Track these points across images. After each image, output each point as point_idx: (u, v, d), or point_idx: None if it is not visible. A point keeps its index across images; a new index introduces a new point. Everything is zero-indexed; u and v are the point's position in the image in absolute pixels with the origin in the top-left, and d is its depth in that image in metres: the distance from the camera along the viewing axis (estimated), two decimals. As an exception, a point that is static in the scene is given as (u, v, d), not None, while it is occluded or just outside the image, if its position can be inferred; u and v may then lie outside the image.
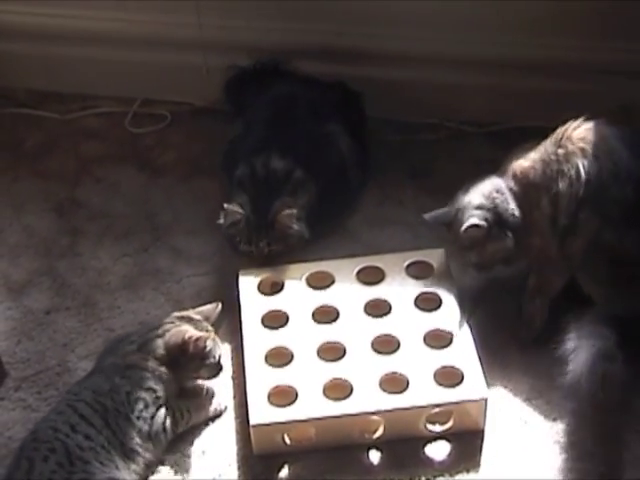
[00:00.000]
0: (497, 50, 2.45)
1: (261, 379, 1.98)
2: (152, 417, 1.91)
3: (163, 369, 1.95)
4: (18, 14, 2.63)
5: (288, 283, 2.18)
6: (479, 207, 2.05)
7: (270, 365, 2.02)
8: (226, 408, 2.02)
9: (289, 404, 1.94)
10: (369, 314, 2.10)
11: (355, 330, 2.07)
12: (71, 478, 1.79)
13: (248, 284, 2.18)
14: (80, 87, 2.72)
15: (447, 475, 1.90)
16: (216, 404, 2.02)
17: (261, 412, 1.93)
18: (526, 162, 2.08)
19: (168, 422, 1.93)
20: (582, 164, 1.99)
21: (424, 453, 1.94)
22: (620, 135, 2.02)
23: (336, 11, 2.49)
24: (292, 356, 2.03)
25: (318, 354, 2.03)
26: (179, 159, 2.59)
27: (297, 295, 2.15)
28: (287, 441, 1.94)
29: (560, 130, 2.06)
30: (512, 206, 2.05)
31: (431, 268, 2.17)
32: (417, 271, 2.17)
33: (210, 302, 2.07)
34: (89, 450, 1.82)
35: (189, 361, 1.95)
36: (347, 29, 2.50)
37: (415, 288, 2.13)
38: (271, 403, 1.94)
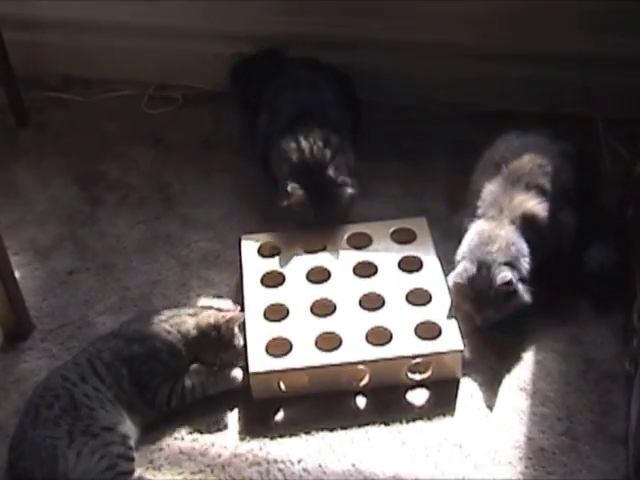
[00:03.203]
0: (481, 38, 2.43)
1: (260, 332, 1.99)
2: (157, 387, 1.88)
3: (182, 345, 1.90)
4: (49, 8, 2.64)
5: (285, 247, 2.17)
6: (506, 263, 1.95)
7: (268, 320, 2.02)
8: (242, 381, 1.94)
9: (284, 354, 1.95)
10: (357, 275, 2.11)
11: (344, 289, 2.07)
12: (75, 423, 1.78)
13: (249, 248, 2.18)
14: (103, 72, 2.71)
15: (426, 419, 1.90)
16: (232, 378, 1.94)
17: (259, 361, 1.93)
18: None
19: (175, 397, 1.88)
20: None
21: (405, 399, 1.95)
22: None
23: (329, 4, 2.49)
24: (288, 312, 2.03)
25: (311, 310, 2.03)
26: (189, 137, 2.58)
27: (293, 258, 2.15)
28: (282, 388, 1.95)
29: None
30: (528, 265, 1.98)
31: (413, 234, 2.17)
32: (401, 237, 2.17)
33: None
34: (96, 400, 1.81)
35: (220, 340, 1.91)
36: (338, 20, 2.50)
37: (399, 252, 2.13)
38: (268, 353, 1.95)
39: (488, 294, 1.95)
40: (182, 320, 1.93)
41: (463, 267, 1.97)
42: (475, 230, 2.04)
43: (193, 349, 1.92)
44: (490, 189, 2.07)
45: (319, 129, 2.21)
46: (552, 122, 2.33)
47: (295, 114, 2.26)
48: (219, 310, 1.98)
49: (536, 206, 2.04)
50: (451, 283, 2.00)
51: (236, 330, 1.93)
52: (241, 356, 1.94)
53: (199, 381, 1.91)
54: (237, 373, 1.95)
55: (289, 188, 2.14)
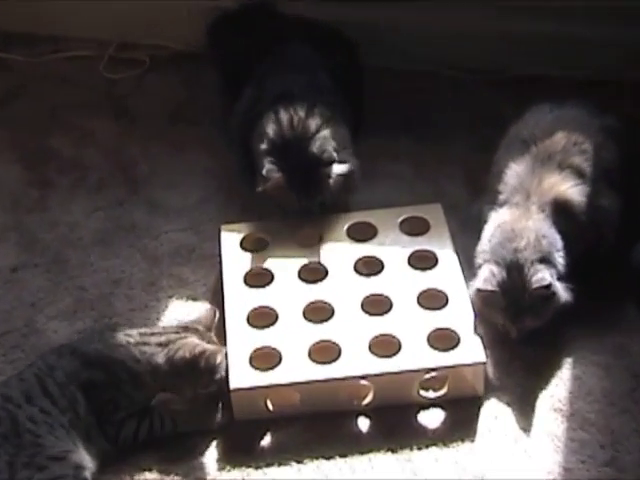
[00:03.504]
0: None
1: (243, 341, 1.98)
2: (121, 422, 1.86)
3: (150, 378, 1.88)
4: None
5: (273, 240, 2.16)
6: (539, 260, 1.94)
7: (252, 326, 2.01)
8: (221, 421, 1.93)
9: (272, 367, 1.94)
10: (359, 273, 2.10)
11: (344, 290, 2.06)
12: (18, 452, 1.76)
13: (230, 240, 2.17)
14: (50, 28, 2.71)
15: (441, 445, 1.90)
16: (209, 417, 1.92)
17: (242, 376, 1.92)
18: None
19: (142, 434, 1.87)
20: None
21: (416, 421, 1.94)
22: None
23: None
24: (276, 317, 2.02)
25: (304, 315, 2.02)
26: (157, 107, 2.58)
27: (283, 252, 2.14)
28: (270, 407, 1.94)
29: None
30: (563, 260, 1.98)
31: (427, 224, 2.16)
32: (411, 227, 2.16)
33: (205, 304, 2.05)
34: (44, 424, 1.79)
35: (198, 377, 1.89)
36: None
37: (409, 245, 2.13)
38: (253, 366, 1.94)
39: (523, 300, 1.93)
40: (151, 351, 1.89)
41: (489, 271, 1.95)
42: (495, 222, 2.02)
43: (163, 384, 1.90)
44: (515, 170, 2.06)
45: (304, 101, 2.19)
46: (594, 90, 2.34)
47: (284, 91, 2.24)
48: (195, 331, 1.93)
49: (570, 190, 2.03)
50: (475, 292, 1.97)
51: (218, 360, 1.89)
52: (222, 390, 1.92)
53: (169, 417, 1.90)
54: (216, 411, 1.93)
55: (264, 170, 2.12)
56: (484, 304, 1.97)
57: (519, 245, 1.96)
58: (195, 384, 1.90)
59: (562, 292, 1.95)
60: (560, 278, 1.96)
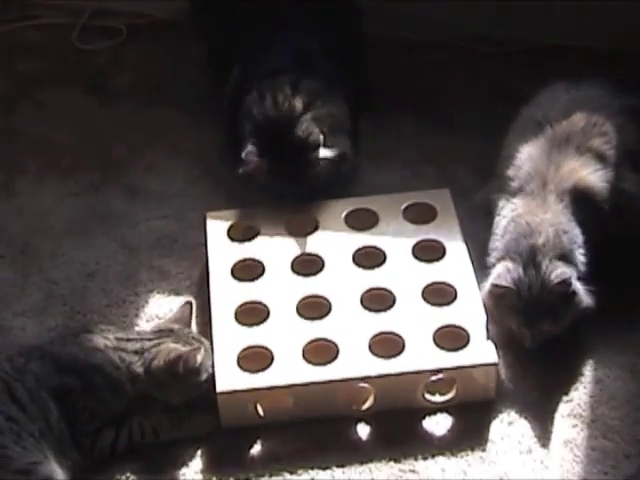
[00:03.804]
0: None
1: (230, 339, 2.00)
2: (97, 432, 1.89)
3: (130, 385, 1.91)
4: None
5: (264, 228, 2.19)
6: (560, 258, 1.97)
7: (241, 323, 2.04)
8: (206, 427, 1.96)
9: (263, 369, 1.96)
10: (359, 265, 2.12)
11: (342, 283, 2.09)
12: None
13: (217, 229, 2.19)
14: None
15: (448, 454, 1.92)
16: (193, 423, 1.95)
17: (229, 377, 1.95)
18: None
19: (121, 445, 1.90)
20: None
21: (421, 428, 1.96)
22: None
23: None
24: (267, 313, 2.05)
25: (298, 311, 2.05)
26: (136, 82, 2.60)
27: (274, 242, 2.17)
28: (260, 412, 1.96)
29: None
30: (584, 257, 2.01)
31: (433, 211, 2.19)
32: (417, 215, 2.19)
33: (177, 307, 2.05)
34: (9, 433, 1.81)
35: (181, 382, 1.92)
36: None
37: (413, 235, 2.15)
38: (241, 367, 1.96)
39: (541, 300, 1.95)
40: (129, 359, 1.93)
41: (504, 267, 1.98)
42: (509, 215, 2.05)
43: (146, 392, 1.93)
44: (529, 154, 2.09)
45: (292, 75, 2.23)
46: (618, 63, 2.37)
47: (273, 65, 2.28)
48: (170, 332, 1.95)
49: (591, 175, 2.06)
50: (488, 290, 1.99)
51: (198, 360, 1.92)
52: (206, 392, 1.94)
53: (150, 425, 1.93)
54: (200, 416, 1.96)
55: (244, 153, 2.17)
56: (497, 305, 2.00)
57: (537, 242, 1.99)
58: (182, 389, 1.94)
59: (583, 294, 1.98)
60: (580, 278, 1.99)
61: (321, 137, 2.19)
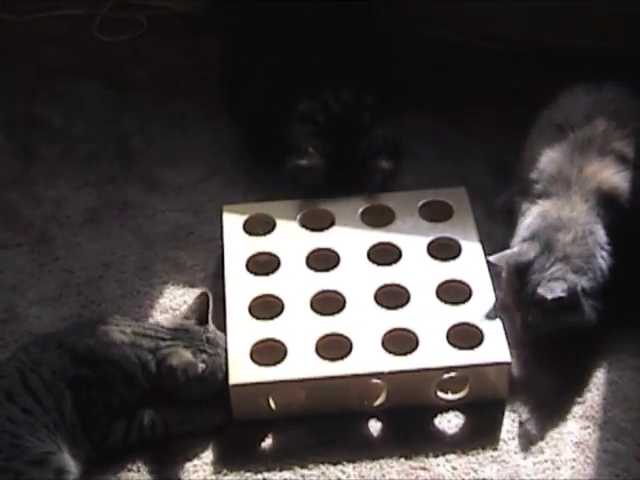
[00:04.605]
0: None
1: (244, 332, 2.01)
2: (108, 425, 1.89)
3: (144, 379, 1.92)
4: None
5: (280, 222, 2.19)
6: (573, 270, 1.96)
7: (255, 317, 2.04)
8: (219, 422, 1.97)
9: (276, 362, 1.96)
10: (374, 261, 2.12)
11: (357, 279, 2.09)
12: None
13: (233, 222, 2.20)
14: (39, -16, 2.72)
15: (459, 452, 1.92)
16: (204, 418, 1.96)
17: (242, 370, 1.95)
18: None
19: (132, 437, 1.90)
20: None
21: (433, 426, 1.96)
22: None
23: None
24: (282, 307, 2.05)
25: (312, 306, 2.05)
26: (155, 74, 2.61)
27: (290, 237, 2.17)
28: (272, 406, 1.96)
29: None
30: (605, 261, 2.00)
31: (449, 209, 2.19)
32: (433, 213, 2.19)
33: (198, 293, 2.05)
34: (24, 425, 1.81)
35: (185, 387, 1.93)
36: None
37: (429, 232, 2.15)
38: (255, 361, 1.97)
39: (530, 295, 1.96)
40: (144, 357, 1.93)
41: (526, 245, 1.98)
42: (536, 212, 2.05)
43: (158, 386, 1.94)
44: (551, 158, 2.09)
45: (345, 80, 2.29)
46: (636, 65, 2.36)
47: (313, 66, 2.30)
48: (185, 333, 1.96)
49: (615, 176, 2.06)
50: (499, 262, 2.00)
51: (198, 371, 1.91)
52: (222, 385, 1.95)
53: (161, 418, 1.93)
54: (212, 411, 1.96)
55: (310, 149, 2.20)
56: (507, 280, 1.99)
57: (566, 238, 1.99)
58: (192, 390, 1.94)
59: (585, 309, 1.96)
60: (591, 291, 1.97)
61: (384, 149, 2.25)
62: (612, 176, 2.06)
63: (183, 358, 1.92)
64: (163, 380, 1.93)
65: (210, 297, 2.01)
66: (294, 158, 2.23)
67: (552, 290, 1.94)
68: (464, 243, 2.13)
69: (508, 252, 2.00)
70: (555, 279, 1.96)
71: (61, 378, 1.88)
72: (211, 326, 2.00)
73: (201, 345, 1.96)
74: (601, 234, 2.02)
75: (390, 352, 1.97)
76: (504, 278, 2.02)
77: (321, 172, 2.22)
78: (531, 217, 2.05)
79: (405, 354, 1.96)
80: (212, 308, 2.01)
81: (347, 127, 2.26)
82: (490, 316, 2.01)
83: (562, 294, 1.93)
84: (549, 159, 2.09)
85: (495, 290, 2.03)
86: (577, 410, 1.97)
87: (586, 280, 1.97)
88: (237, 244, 2.16)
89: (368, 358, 1.96)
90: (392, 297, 2.06)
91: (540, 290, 1.94)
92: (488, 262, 2.04)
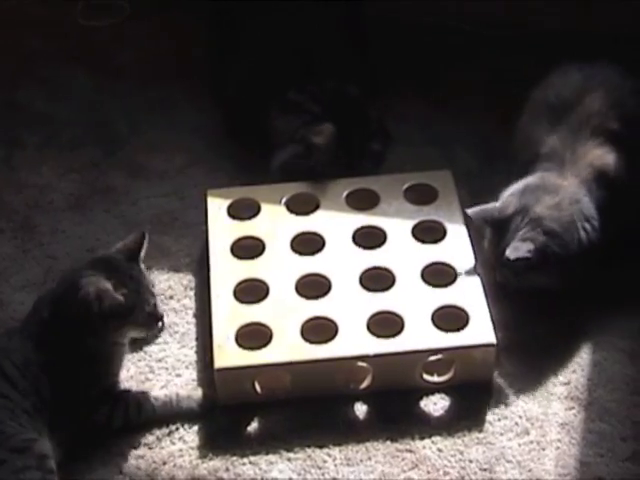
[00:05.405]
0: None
1: (229, 316, 2.01)
2: (92, 405, 1.88)
3: (102, 323, 1.89)
4: None
5: (264, 206, 2.19)
6: (545, 232, 1.99)
7: (240, 301, 2.04)
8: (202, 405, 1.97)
9: (261, 346, 1.96)
10: (359, 244, 2.13)
11: (342, 262, 2.09)
12: None
13: (217, 206, 2.19)
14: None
15: (445, 434, 1.93)
16: (188, 401, 1.96)
17: (228, 354, 1.95)
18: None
19: (117, 417, 1.90)
20: None
21: (419, 408, 1.97)
22: None
23: None
24: (267, 291, 2.05)
25: (297, 289, 2.05)
26: (139, 59, 2.60)
27: (275, 220, 2.17)
28: (258, 389, 1.97)
29: None
30: (587, 233, 2.02)
31: (434, 192, 2.19)
32: (418, 195, 2.19)
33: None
34: (4, 410, 1.81)
35: (105, 321, 1.89)
36: None
37: (414, 215, 2.15)
38: (240, 345, 1.97)
39: (505, 259, 1.99)
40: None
41: (507, 201, 2.02)
42: (531, 177, 2.07)
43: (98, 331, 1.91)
44: (544, 137, 2.10)
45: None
46: (626, 47, 2.37)
47: (305, 53, 2.31)
48: (108, 264, 1.93)
49: (607, 155, 2.07)
50: (476, 215, 2.04)
51: (120, 300, 1.86)
52: (159, 322, 1.99)
53: (148, 401, 1.93)
54: (197, 393, 1.97)
55: (324, 126, 2.21)
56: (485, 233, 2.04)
57: (550, 201, 2.02)
58: (107, 329, 1.90)
59: (552, 273, 2.00)
60: (567, 258, 1.99)
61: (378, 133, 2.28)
62: (604, 154, 2.07)
63: (100, 285, 1.88)
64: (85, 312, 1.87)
65: (147, 237, 1.98)
66: (291, 148, 2.24)
67: (517, 250, 1.96)
68: (449, 226, 2.13)
69: (488, 206, 2.03)
70: (524, 240, 1.98)
71: (32, 363, 1.87)
72: (141, 265, 1.97)
73: (125, 280, 1.92)
74: (588, 206, 2.03)
75: (376, 335, 1.97)
76: (488, 232, 2.05)
77: (334, 150, 2.22)
78: (525, 180, 2.07)
79: (391, 337, 1.97)
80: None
81: (343, 114, 2.25)
82: (469, 272, 2.04)
83: (527, 254, 1.96)
84: (542, 139, 2.10)
85: (474, 248, 2.06)
86: (562, 391, 1.98)
87: (557, 245, 1.99)
88: (221, 228, 2.16)
89: (354, 341, 1.96)
90: (377, 280, 2.06)
91: (507, 250, 1.97)
92: (465, 215, 2.07)
